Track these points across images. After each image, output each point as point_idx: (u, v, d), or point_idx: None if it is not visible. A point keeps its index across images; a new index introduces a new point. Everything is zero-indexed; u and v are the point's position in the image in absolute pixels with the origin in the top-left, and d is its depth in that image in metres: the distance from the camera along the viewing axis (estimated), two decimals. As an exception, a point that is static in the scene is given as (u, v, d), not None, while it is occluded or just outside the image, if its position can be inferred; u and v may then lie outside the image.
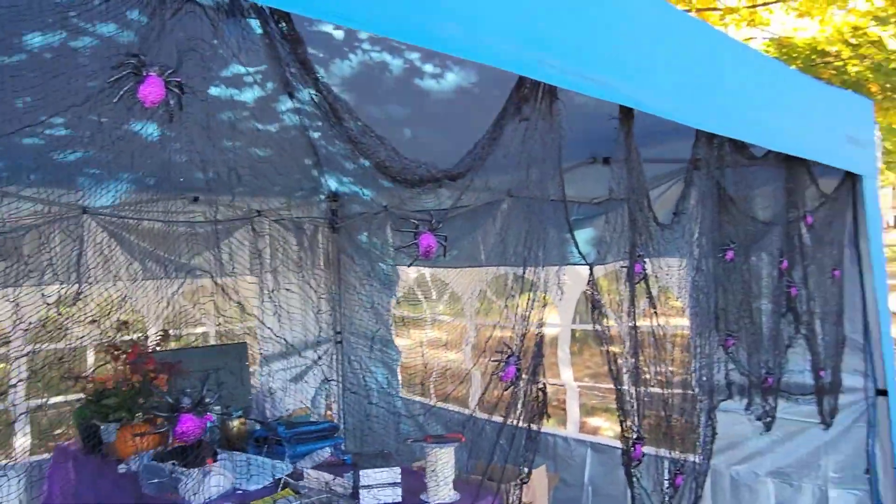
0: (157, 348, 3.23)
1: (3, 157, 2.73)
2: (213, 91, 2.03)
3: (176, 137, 1.06)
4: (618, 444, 1.99)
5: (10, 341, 2.71)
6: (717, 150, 1.83)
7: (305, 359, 4.61)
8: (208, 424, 1.28)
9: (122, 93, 0.70)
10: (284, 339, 4.32)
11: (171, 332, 3.46)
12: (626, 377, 1.72)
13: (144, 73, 0.70)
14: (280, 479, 2.45)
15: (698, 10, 8.06)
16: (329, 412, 4.75)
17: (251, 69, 2.53)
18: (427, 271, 4.47)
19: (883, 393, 2.43)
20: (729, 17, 7.73)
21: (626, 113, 1.42)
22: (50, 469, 3.14)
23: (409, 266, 4.41)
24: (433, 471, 2.29)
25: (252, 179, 3.47)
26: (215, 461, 2.44)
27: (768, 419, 2.37)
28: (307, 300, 4.55)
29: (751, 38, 7.47)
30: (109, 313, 3.09)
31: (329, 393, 4.77)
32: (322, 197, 4.61)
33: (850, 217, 2.33)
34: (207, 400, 1.22)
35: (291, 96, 3.01)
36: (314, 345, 4.65)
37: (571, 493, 3.50)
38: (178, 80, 0.74)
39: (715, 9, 8.26)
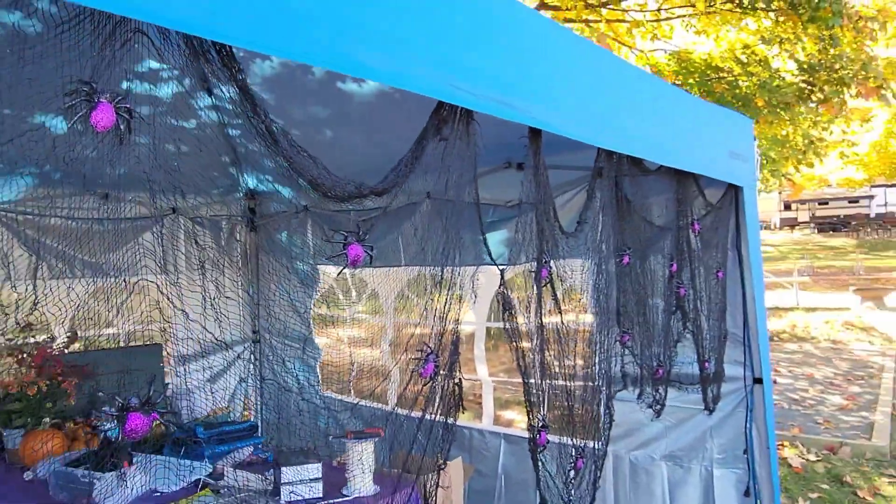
0: (66, 351, 3.13)
1: None
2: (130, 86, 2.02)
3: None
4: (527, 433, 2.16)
5: None
6: (616, 163, 2.02)
7: (222, 359, 4.56)
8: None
9: (75, 118, 0.75)
10: (200, 340, 4.26)
11: (79, 333, 3.35)
12: (533, 371, 1.88)
13: (97, 100, 0.75)
14: (199, 479, 2.46)
15: (608, 22, 8.50)
16: (248, 412, 4.72)
17: (167, 66, 2.51)
18: (347, 271, 4.52)
19: (759, 381, 2.72)
20: (636, 29, 8.20)
21: (535, 132, 1.56)
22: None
23: (336, 275, 4.46)
24: (353, 465, 2.38)
25: (167, 176, 3.42)
26: (131, 464, 2.41)
27: (658, 407, 2.61)
28: (224, 299, 4.49)
29: (654, 51, 7.98)
30: (13, 314, 2.96)
31: (247, 392, 4.74)
32: (240, 195, 4.57)
33: (733, 224, 2.60)
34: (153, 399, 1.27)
35: (210, 93, 2.99)
36: (231, 344, 4.60)
37: (486, 482, 3.67)
38: (128, 105, 0.79)
39: (623, 20, 8.73)
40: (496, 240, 3.42)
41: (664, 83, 2.16)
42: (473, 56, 1.24)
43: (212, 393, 4.07)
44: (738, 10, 5.16)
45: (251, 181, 4.47)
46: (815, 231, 42.98)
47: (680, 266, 2.38)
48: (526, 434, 3.53)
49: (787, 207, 47.35)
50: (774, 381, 7.60)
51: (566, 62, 1.54)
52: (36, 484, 2.55)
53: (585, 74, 1.64)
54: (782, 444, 5.51)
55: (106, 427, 2.71)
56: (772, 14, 5.66)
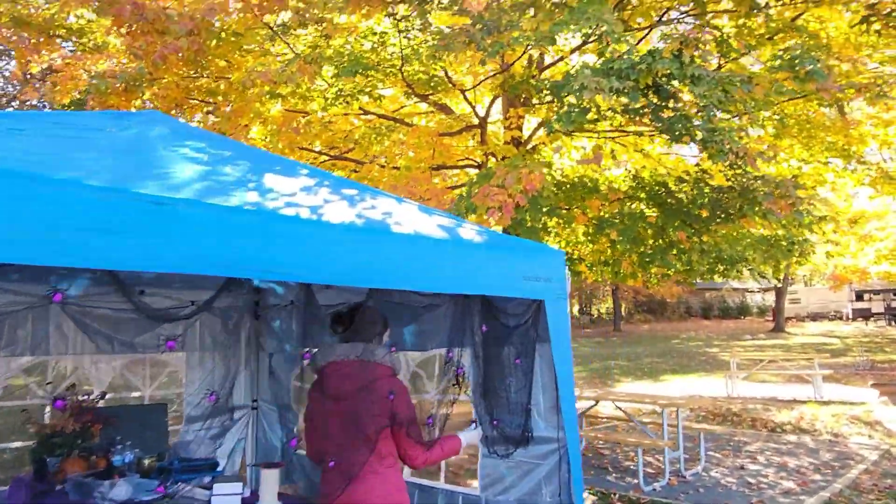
0: (97, 405, 4.42)
1: None
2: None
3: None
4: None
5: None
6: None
7: (227, 420, 5.76)
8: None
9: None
10: (207, 403, 5.49)
11: (108, 394, 4.64)
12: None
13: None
14: (168, 492, 3.61)
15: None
16: (244, 467, 5.85)
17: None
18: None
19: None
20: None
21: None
22: (7, 494, 4.25)
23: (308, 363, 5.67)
24: (264, 488, 3.48)
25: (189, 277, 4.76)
26: (121, 477, 3.61)
27: (508, 458, 3.60)
28: (229, 373, 5.75)
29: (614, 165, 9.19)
30: (63, 379, 4.29)
31: (245, 449, 5.89)
32: (245, 290, 5.91)
33: (542, 325, 3.61)
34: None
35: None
36: (233, 409, 5.81)
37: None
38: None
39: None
40: (410, 331, 4.56)
41: (462, 239, 3.25)
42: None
43: (209, 445, 5.24)
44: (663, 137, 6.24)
45: (255, 280, 5.81)
46: (891, 323, 41.10)
47: (518, 355, 3.49)
48: (436, 483, 4.52)
49: (860, 298, 45.58)
50: (742, 467, 8.14)
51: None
52: (64, 493, 3.76)
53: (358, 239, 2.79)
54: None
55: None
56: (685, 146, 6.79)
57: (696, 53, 4.94)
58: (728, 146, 5.47)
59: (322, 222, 2.58)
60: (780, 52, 5.94)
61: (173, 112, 6.72)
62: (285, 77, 5.35)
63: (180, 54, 5.32)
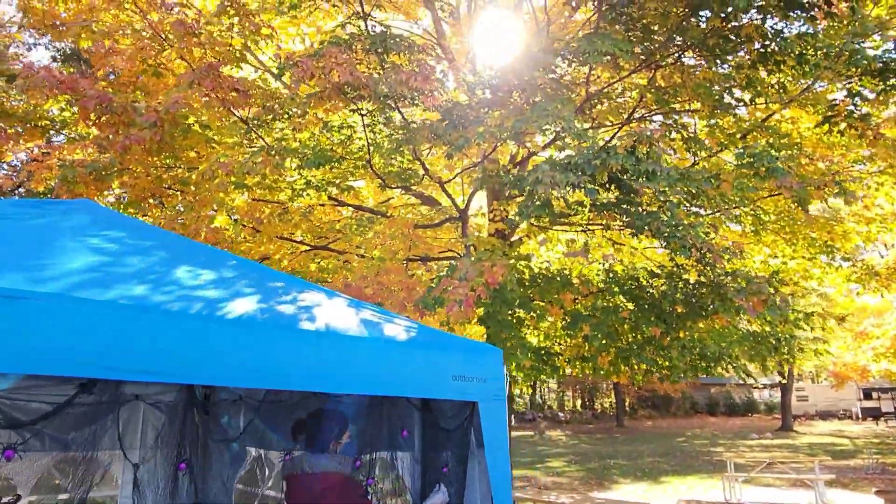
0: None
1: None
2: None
3: None
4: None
5: None
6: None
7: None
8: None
9: None
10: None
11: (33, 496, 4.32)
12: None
13: None
14: None
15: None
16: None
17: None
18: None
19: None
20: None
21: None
22: None
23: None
24: None
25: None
26: None
27: None
28: (169, 472, 5.41)
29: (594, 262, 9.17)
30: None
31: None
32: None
33: (475, 425, 3.38)
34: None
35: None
36: (173, 513, 5.42)
37: None
38: None
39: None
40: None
41: (385, 336, 3.08)
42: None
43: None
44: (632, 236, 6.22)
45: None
46: (903, 422, 39.76)
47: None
48: None
49: (868, 396, 44.37)
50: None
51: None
52: None
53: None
54: None
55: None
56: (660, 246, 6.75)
57: (649, 150, 4.95)
58: (691, 242, 5.38)
59: (214, 317, 2.43)
60: (741, 150, 5.98)
61: (147, 202, 6.75)
62: (247, 168, 5.38)
63: (143, 145, 5.38)
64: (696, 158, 7.63)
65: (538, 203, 5.10)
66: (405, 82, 5.15)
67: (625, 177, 5.12)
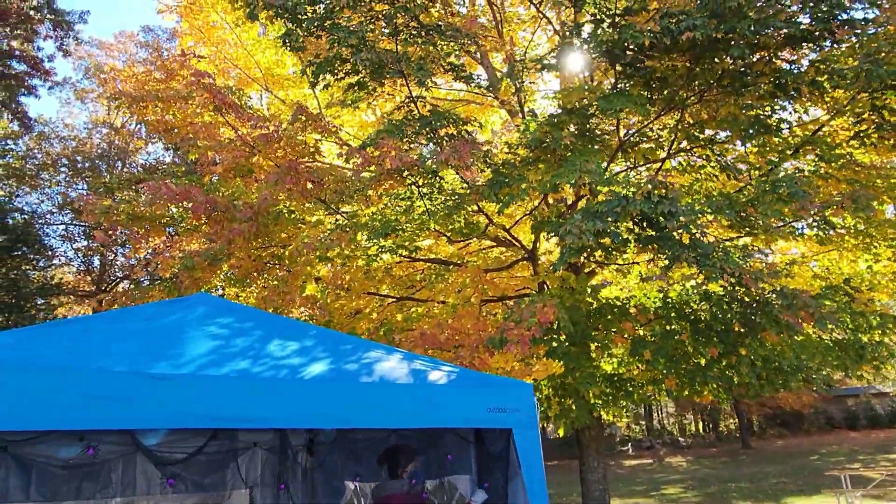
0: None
1: None
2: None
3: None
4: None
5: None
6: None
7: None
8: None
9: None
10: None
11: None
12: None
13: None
14: None
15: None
16: None
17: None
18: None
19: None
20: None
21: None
22: None
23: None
24: None
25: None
26: None
27: None
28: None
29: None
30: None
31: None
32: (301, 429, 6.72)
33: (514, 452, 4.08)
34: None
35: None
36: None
37: None
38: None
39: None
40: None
41: (427, 381, 3.92)
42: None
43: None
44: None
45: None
46: None
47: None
48: None
49: None
50: None
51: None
52: None
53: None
54: None
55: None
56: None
57: (665, 193, 5.55)
58: (721, 267, 5.87)
59: (296, 379, 3.38)
60: (764, 176, 6.40)
61: (249, 278, 8.05)
62: (326, 245, 6.46)
63: (243, 235, 6.61)
64: (746, 182, 7.98)
65: (573, 249, 5.80)
66: (445, 161, 6.09)
67: (643, 220, 5.73)
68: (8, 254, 22.07)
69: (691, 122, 7.39)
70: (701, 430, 53.22)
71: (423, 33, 6.70)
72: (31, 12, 19.81)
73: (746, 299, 6.80)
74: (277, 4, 6.45)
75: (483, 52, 8.88)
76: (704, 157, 7.87)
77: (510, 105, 9.89)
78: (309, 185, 6.62)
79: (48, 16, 20.53)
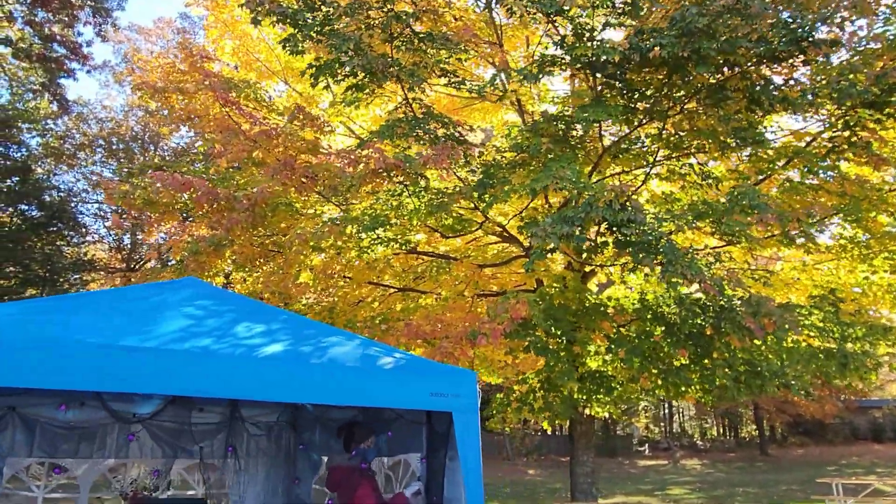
0: (149, 496, 5.81)
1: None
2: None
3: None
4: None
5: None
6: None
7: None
8: None
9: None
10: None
11: (171, 490, 6.05)
12: None
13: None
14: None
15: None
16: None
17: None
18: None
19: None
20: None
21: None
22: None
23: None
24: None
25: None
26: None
27: None
28: (269, 477, 6.99)
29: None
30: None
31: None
32: (285, 406, 7.26)
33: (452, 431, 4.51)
34: None
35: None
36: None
37: None
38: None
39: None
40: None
41: (375, 365, 4.38)
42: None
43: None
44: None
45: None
46: None
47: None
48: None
49: None
50: None
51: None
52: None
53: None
54: None
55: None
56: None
57: (626, 201, 5.89)
58: (681, 272, 6.20)
59: (250, 356, 3.87)
60: (733, 189, 6.68)
61: (254, 264, 8.63)
62: (317, 237, 6.96)
63: (242, 224, 7.16)
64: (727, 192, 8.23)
65: (542, 251, 6.19)
66: (425, 164, 6.52)
67: (607, 226, 6.09)
68: (44, 229, 23.22)
69: (672, 132, 7.67)
70: (721, 435, 52.75)
71: (415, 41, 7.12)
72: (73, -1, 20.70)
73: (714, 305, 7.10)
74: (279, 11, 6.93)
75: (487, 55, 9.26)
76: (687, 165, 8.14)
77: (514, 106, 10.24)
78: (303, 180, 7.13)
79: (88, 2, 21.42)
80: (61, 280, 23.15)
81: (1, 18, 22.00)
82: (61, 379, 3.29)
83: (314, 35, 7.04)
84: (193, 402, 6.17)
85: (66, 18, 22.11)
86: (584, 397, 9.73)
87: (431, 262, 11.16)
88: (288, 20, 6.97)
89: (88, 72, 23.83)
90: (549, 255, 12.41)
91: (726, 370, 8.32)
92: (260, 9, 6.91)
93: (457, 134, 7.88)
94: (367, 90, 7.82)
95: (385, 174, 6.84)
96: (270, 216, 7.65)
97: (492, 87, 7.76)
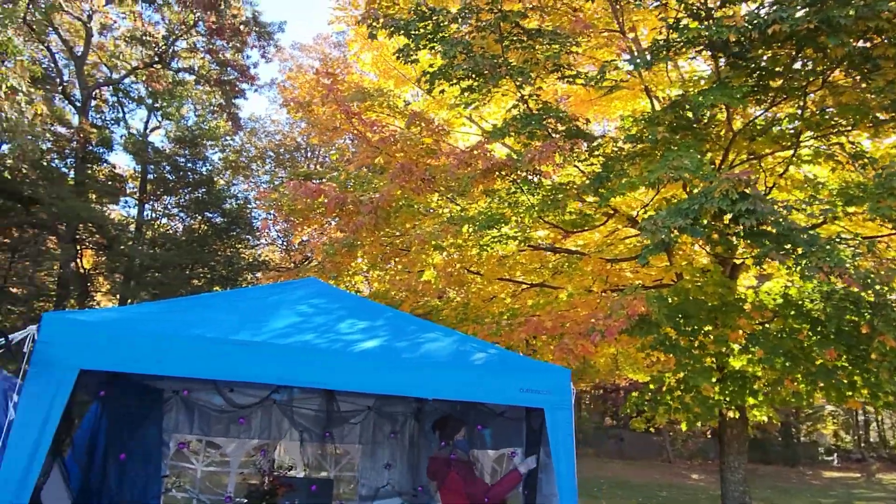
0: (284, 475, 6.43)
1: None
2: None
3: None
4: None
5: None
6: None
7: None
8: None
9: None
10: (378, 486, 7.21)
11: (305, 470, 6.67)
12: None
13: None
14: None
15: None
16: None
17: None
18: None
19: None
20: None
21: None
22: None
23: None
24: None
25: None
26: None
27: None
28: (395, 462, 7.41)
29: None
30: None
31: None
32: (412, 399, 7.63)
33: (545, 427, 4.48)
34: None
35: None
36: (400, 493, 7.41)
37: None
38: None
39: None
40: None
41: (466, 361, 4.47)
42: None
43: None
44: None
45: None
46: None
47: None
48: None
49: None
50: None
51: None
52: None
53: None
54: None
55: None
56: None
57: (746, 191, 5.44)
58: (817, 266, 5.64)
59: (346, 351, 4.20)
60: (881, 171, 5.89)
61: (379, 264, 9.17)
62: (434, 237, 7.25)
63: (366, 227, 7.66)
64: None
65: (652, 246, 5.94)
66: (530, 161, 6.51)
67: (723, 217, 5.68)
68: (226, 234, 26.24)
69: (814, 110, 6.93)
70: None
71: (524, 38, 7.13)
72: (241, 27, 23.15)
73: (866, 300, 6.33)
74: (392, 24, 7.30)
75: (605, 45, 9.01)
76: (837, 145, 7.31)
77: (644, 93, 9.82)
78: (420, 183, 7.45)
79: (254, 28, 23.84)
80: (240, 280, 26.00)
81: (187, 50, 25.15)
82: (183, 367, 3.82)
83: (425, 43, 7.33)
84: (333, 393, 6.69)
85: (238, 45, 24.78)
86: (727, 399, 9.10)
87: (562, 257, 11.05)
88: (401, 31, 7.32)
89: (256, 90, 26.57)
90: (687, 249, 11.76)
91: (892, 371, 7.34)
92: (375, 24, 7.33)
93: (574, 128, 7.76)
94: (484, 90, 7.96)
95: (497, 173, 6.94)
96: (394, 217, 8.09)
97: (611, 77, 7.52)
